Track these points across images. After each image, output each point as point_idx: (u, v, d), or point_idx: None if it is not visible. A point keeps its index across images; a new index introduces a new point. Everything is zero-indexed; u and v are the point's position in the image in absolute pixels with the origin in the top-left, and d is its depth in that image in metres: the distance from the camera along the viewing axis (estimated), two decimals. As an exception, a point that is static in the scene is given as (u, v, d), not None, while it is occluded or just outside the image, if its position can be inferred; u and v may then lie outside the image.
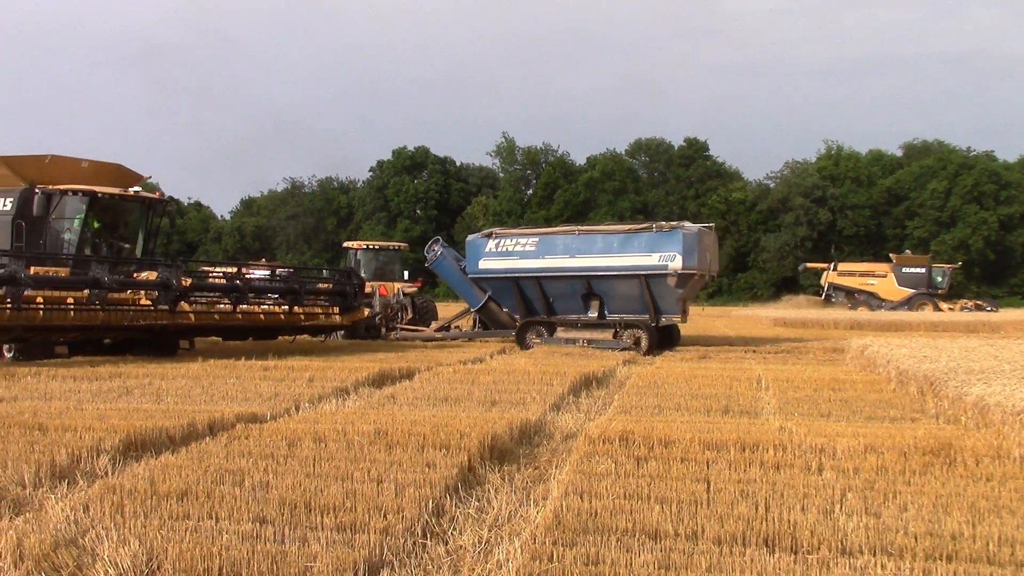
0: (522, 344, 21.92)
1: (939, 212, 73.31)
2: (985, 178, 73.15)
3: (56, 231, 17.77)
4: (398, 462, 7.07)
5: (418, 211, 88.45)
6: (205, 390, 11.79)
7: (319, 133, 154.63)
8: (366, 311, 21.52)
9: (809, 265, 60.77)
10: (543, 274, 21.75)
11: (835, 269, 53.94)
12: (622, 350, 20.19)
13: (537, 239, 22.39)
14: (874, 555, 4.95)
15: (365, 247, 30.85)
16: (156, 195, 19.42)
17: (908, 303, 49.29)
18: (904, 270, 51.48)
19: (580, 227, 23.11)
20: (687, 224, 21.52)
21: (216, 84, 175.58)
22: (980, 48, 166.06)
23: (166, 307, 16.56)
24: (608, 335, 21.47)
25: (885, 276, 51.60)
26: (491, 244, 22.66)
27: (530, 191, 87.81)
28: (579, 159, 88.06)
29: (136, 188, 19.12)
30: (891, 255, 56.51)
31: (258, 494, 6.01)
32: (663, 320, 21.53)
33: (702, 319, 40.09)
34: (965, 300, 54.28)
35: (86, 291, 15.61)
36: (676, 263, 20.50)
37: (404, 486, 6.22)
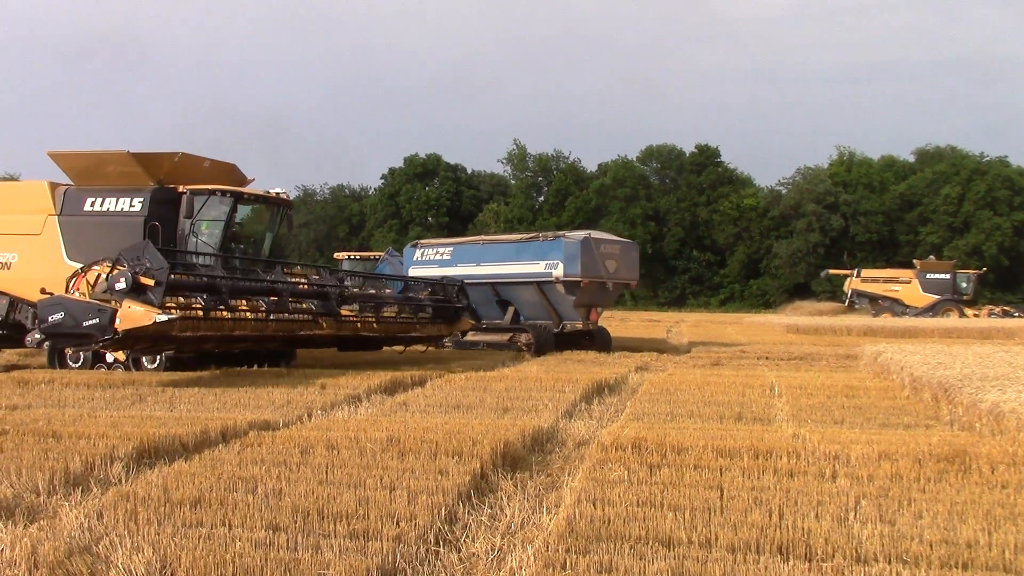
0: (438, 345, 22.39)
1: (952, 218, 72.96)
2: (998, 183, 72.76)
3: (190, 234, 16.66)
4: (411, 469, 7.07)
5: (430, 218, 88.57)
6: (218, 397, 11.82)
7: (328, 139, 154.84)
8: (469, 323, 21.26)
9: (832, 271, 60.48)
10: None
11: (858, 275, 53.61)
12: (516, 351, 21.71)
13: (451, 248, 24.12)
14: (889, 563, 4.92)
15: (348, 257, 33.82)
16: (284, 197, 18.64)
17: (933, 309, 48.89)
18: (929, 276, 51.05)
19: (485, 237, 25.05)
20: (570, 233, 22.71)
21: (218, 88, 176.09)
22: (993, 52, 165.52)
23: (328, 316, 16.17)
24: (505, 338, 22.77)
25: (909, 282, 51.22)
26: (417, 253, 24.45)
27: (541, 198, 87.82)
28: (590, 166, 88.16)
29: (279, 190, 18.59)
30: (915, 261, 56.04)
31: (271, 501, 6.02)
32: (567, 326, 22.41)
33: (714, 326, 40.01)
34: (992, 306, 53.74)
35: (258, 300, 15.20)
36: (559, 271, 21.55)
37: (417, 493, 6.22)
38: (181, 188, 16.60)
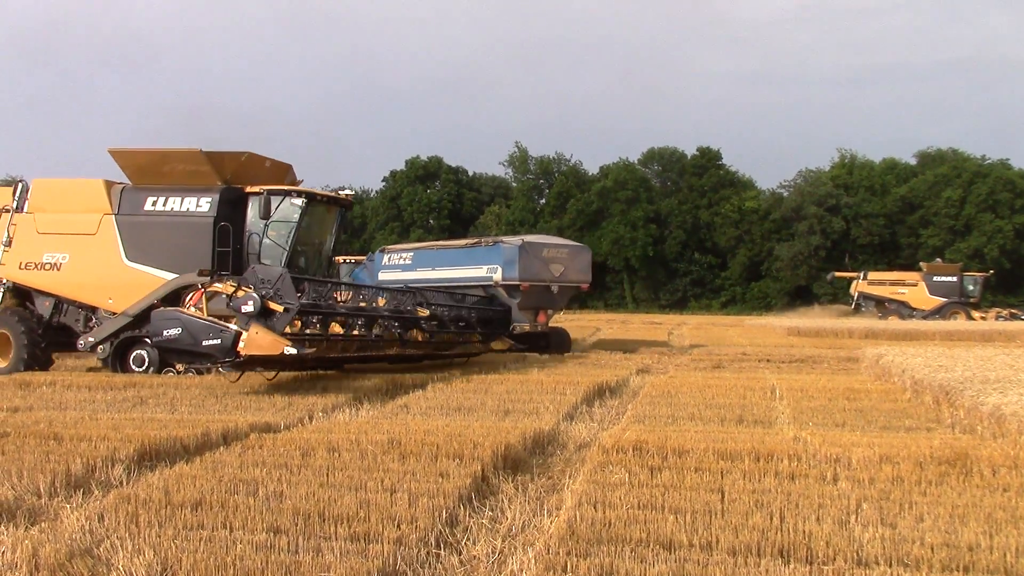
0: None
1: (954, 221, 72.82)
2: (1000, 186, 72.61)
3: (258, 236, 16.19)
4: (411, 472, 7.07)
5: (431, 221, 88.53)
6: (219, 400, 11.83)
7: (329, 142, 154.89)
8: (509, 343, 20.99)
9: (838, 274, 60.34)
10: (417, 285, 22.54)
11: (865, 278, 53.41)
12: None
13: (412, 253, 25.09)
14: (890, 566, 4.92)
15: (344, 260, 34.52)
16: (348, 198, 18.20)
17: (940, 312, 48.71)
18: (935, 279, 50.77)
19: (440, 243, 26.16)
20: (508, 239, 23.36)
21: (219, 91, 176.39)
22: (994, 55, 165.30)
23: (410, 335, 16.08)
24: None
25: (916, 285, 50.99)
26: (385, 258, 25.31)
27: (543, 200, 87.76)
28: (592, 168, 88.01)
29: (347, 191, 18.38)
30: (921, 264, 55.80)
31: (272, 504, 6.03)
32: (516, 328, 22.53)
33: (715, 329, 40.00)
34: (999, 308, 53.53)
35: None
36: (498, 275, 22.13)
37: (418, 496, 6.22)
38: (251, 188, 16.25)
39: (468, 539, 5.67)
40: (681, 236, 78.55)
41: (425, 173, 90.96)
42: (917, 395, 12.52)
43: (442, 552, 5.37)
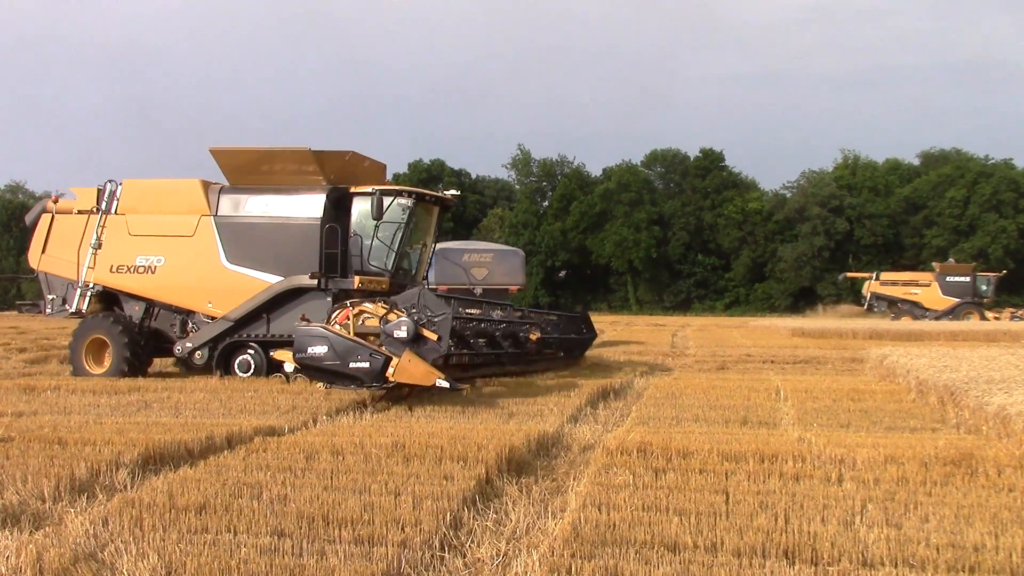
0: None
1: (957, 221, 72.70)
2: (1004, 186, 72.48)
3: (361, 237, 15.75)
4: (415, 475, 7.07)
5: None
6: (223, 404, 11.83)
7: (332, 145, 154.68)
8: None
9: (849, 275, 60.22)
10: None
11: (877, 279, 53.24)
12: None
13: None
14: (895, 567, 4.91)
15: None
16: (452, 197, 17.71)
17: (953, 312, 48.50)
18: (948, 279, 50.47)
19: None
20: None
21: (220, 95, 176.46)
22: (997, 56, 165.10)
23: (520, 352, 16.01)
24: None
25: (929, 285, 50.72)
26: None
27: (546, 203, 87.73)
28: (595, 170, 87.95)
29: (453, 191, 18.09)
30: (934, 264, 55.55)
31: (276, 507, 6.03)
32: None
33: (719, 330, 39.94)
34: (1013, 309, 53.20)
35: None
36: None
37: (422, 499, 6.22)
38: (355, 188, 15.87)
39: (472, 542, 5.66)
40: (684, 238, 78.51)
41: (428, 176, 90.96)
42: (922, 395, 12.50)
43: (446, 555, 5.37)
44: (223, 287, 15.73)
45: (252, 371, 15.52)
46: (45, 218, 17.18)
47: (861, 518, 5.82)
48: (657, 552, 5.11)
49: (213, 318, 15.90)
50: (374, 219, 15.39)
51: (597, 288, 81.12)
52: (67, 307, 16.74)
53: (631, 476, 7.00)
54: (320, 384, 12.73)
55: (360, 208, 15.75)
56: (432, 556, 5.29)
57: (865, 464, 7.42)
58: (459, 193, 18.07)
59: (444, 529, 5.68)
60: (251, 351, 15.65)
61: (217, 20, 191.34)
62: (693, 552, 5.14)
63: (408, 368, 11.52)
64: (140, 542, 5.30)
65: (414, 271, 16.86)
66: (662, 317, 62.93)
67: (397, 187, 16.14)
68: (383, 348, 11.87)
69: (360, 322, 12.63)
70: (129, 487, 6.91)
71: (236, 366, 15.67)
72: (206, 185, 16.34)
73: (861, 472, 7.21)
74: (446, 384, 11.45)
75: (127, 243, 16.41)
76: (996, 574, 4.87)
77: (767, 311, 69.96)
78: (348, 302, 13.44)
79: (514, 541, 5.69)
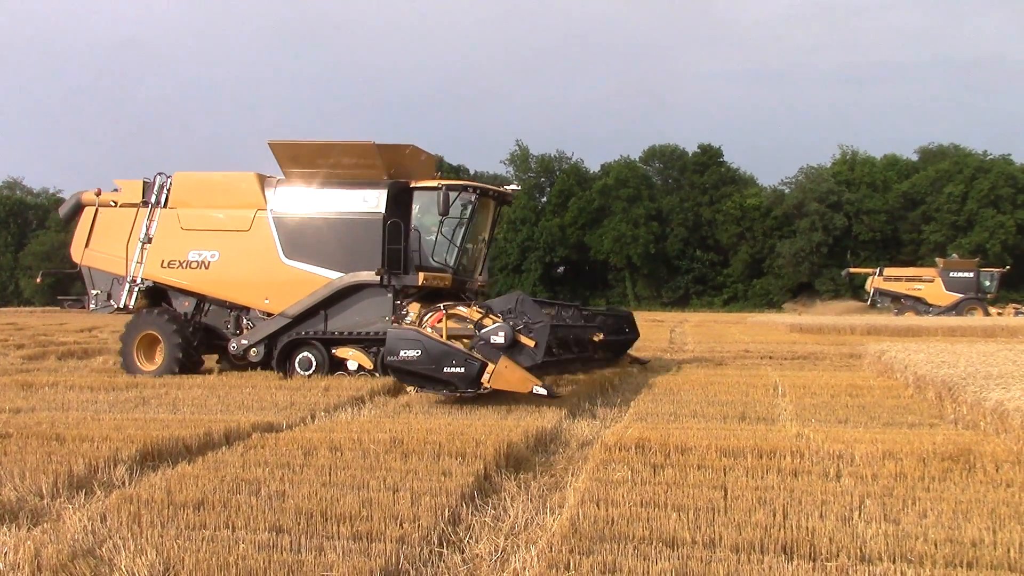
0: None
1: (956, 216, 72.70)
2: (1002, 182, 72.49)
3: (421, 232, 15.47)
4: (414, 471, 7.07)
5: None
6: (221, 400, 11.83)
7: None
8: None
9: (852, 270, 60.16)
10: None
11: (881, 274, 53.24)
12: None
13: None
14: (893, 562, 4.91)
15: None
16: (512, 193, 17.27)
17: (956, 308, 48.46)
18: (952, 274, 50.42)
19: None
20: None
21: (220, 95, 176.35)
22: (995, 52, 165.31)
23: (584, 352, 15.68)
24: None
25: (932, 281, 50.71)
26: None
27: (544, 198, 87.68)
28: (593, 166, 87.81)
29: (514, 186, 17.63)
30: (938, 259, 55.49)
31: (274, 503, 6.02)
32: None
33: (718, 326, 39.95)
34: (1016, 304, 53.15)
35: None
36: None
37: (420, 495, 6.22)
38: (416, 182, 15.54)
39: (471, 537, 5.66)
40: (683, 233, 78.48)
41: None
42: (920, 391, 12.50)
43: (445, 551, 5.37)
44: (280, 283, 15.42)
45: (313, 369, 15.19)
46: (88, 211, 16.65)
47: (859, 514, 5.82)
48: (655, 548, 5.11)
49: (268, 314, 15.63)
50: (440, 215, 15.09)
51: (595, 284, 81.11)
52: (112, 303, 16.40)
53: (629, 472, 7.00)
54: (411, 388, 12.59)
55: (421, 203, 15.46)
56: (430, 552, 5.29)
57: (863, 460, 7.43)
58: (519, 188, 17.62)
59: (442, 525, 5.68)
60: (312, 348, 15.30)
61: (216, 20, 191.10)
62: (691, 548, 5.14)
63: (504, 374, 11.38)
64: (138, 538, 5.29)
65: (474, 266, 16.53)
66: (660, 313, 62.93)
67: (462, 182, 15.89)
68: (475, 352, 11.71)
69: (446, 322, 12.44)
70: (127, 483, 6.91)
71: (297, 364, 15.29)
72: (262, 179, 16.01)
73: (859, 468, 7.22)
74: (543, 391, 11.26)
75: (179, 237, 16.01)
76: (994, 569, 4.87)
77: (765, 307, 69.98)
78: (441, 305, 13.27)
79: (512, 537, 5.69)
